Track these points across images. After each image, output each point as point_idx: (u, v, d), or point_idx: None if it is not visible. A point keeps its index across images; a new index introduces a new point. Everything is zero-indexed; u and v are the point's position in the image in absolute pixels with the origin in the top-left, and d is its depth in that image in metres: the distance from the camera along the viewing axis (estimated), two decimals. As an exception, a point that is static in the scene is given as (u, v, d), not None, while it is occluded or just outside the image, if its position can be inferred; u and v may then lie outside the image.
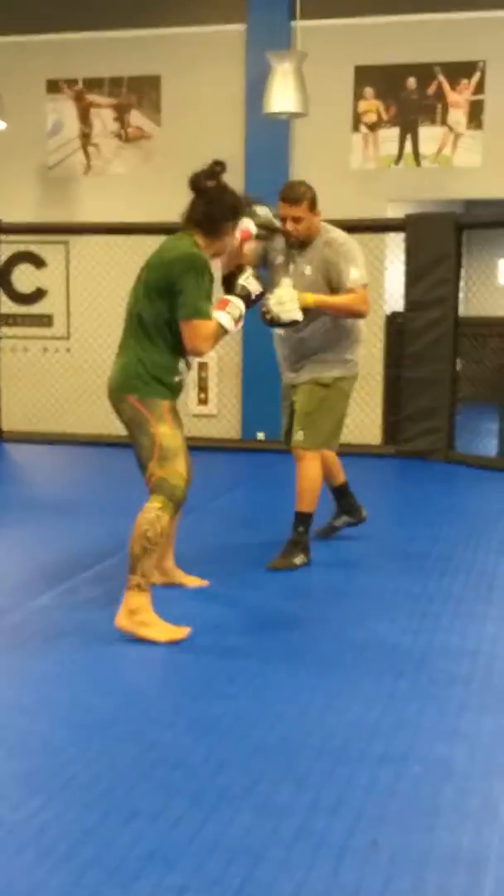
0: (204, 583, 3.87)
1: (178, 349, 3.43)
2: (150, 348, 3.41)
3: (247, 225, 3.80)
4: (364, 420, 8.19)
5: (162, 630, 3.24)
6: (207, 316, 3.36)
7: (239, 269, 3.61)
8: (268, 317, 3.99)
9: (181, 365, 3.47)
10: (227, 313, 3.42)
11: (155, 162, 8.41)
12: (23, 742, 2.49)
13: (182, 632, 3.25)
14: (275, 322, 4.01)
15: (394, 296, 7.83)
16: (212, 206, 3.43)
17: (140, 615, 3.26)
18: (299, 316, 3.97)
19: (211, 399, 8.76)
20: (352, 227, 7.37)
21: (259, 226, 3.94)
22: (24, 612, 3.55)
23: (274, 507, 5.67)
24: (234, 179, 8.81)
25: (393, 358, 7.86)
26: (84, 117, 8.65)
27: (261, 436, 8.47)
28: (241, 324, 3.50)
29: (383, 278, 7.92)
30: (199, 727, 2.58)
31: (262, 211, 4.03)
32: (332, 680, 2.94)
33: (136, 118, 8.58)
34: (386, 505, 4.93)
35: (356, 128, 8.26)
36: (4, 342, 8.13)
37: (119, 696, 2.79)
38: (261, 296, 3.62)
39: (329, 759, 2.41)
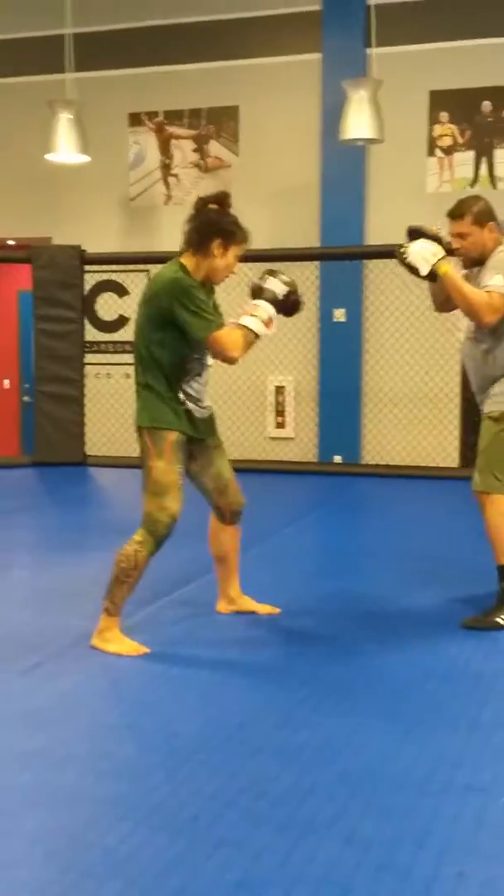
0: (276, 610, 3.88)
1: (177, 378, 3.47)
2: (153, 380, 3.48)
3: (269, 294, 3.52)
4: (442, 442, 8.16)
5: (123, 646, 3.42)
6: (220, 326, 3.39)
7: (267, 273, 3.55)
8: (401, 250, 3.73)
9: (181, 395, 3.48)
10: (255, 317, 3.42)
11: (233, 190, 8.44)
12: (110, 767, 2.54)
13: (141, 650, 3.40)
14: (399, 258, 3.73)
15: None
16: (195, 222, 3.47)
17: (105, 634, 3.45)
18: (422, 270, 3.66)
19: (288, 422, 8.81)
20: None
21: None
22: (109, 637, 3.61)
23: (350, 532, 5.69)
24: (311, 206, 8.94)
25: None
26: (164, 149, 8.83)
27: (338, 459, 8.48)
28: (273, 326, 3.46)
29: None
30: (283, 756, 2.60)
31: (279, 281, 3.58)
32: (414, 707, 2.94)
33: (214, 148, 8.72)
34: (464, 529, 4.88)
35: (431, 152, 8.28)
36: (88, 369, 8.30)
37: (203, 723, 2.82)
38: (289, 296, 3.51)
39: (413, 790, 2.41)
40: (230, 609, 3.88)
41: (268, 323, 3.44)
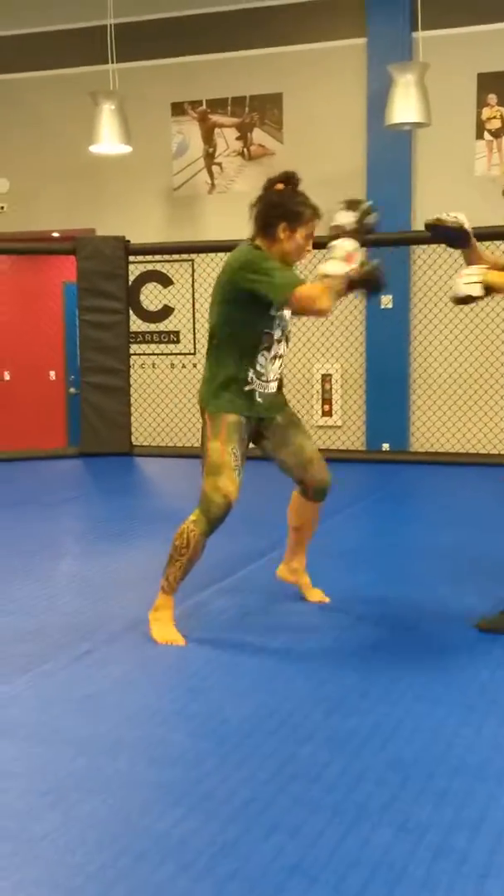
0: (325, 599, 3.85)
1: (246, 357, 3.42)
2: (220, 360, 3.45)
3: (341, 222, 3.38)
4: (493, 429, 8.08)
5: (163, 632, 3.41)
6: (299, 281, 3.29)
7: (341, 204, 3.40)
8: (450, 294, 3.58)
9: (251, 374, 3.43)
10: (332, 258, 3.28)
11: (277, 178, 8.48)
12: (162, 752, 2.54)
13: (177, 641, 3.37)
14: (453, 300, 3.60)
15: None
16: (259, 206, 3.39)
17: (157, 612, 3.47)
18: (473, 291, 3.45)
19: (335, 410, 8.78)
20: (478, 234, 7.30)
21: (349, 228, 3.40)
22: (159, 625, 3.62)
23: (399, 521, 5.64)
24: (357, 193, 8.88)
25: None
26: (208, 138, 8.82)
27: (386, 447, 8.43)
28: (355, 259, 3.29)
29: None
30: (334, 742, 2.59)
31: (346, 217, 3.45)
32: (467, 695, 2.91)
33: (258, 136, 8.69)
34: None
35: (480, 135, 8.17)
36: (134, 359, 8.32)
37: (253, 709, 2.81)
38: (364, 224, 3.34)
39: (468, 776, 2.38)
40: (288, 579, 3.87)
41: (348, 258, 3.27)
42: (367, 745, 2.56)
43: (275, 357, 3.49)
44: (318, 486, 3.67)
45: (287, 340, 3.56)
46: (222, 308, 3.42)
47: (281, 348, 3.51)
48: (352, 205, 3.42)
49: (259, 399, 3.49)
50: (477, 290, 3.40)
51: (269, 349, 3.46)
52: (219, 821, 2.18)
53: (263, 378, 3.48)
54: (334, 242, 3.33)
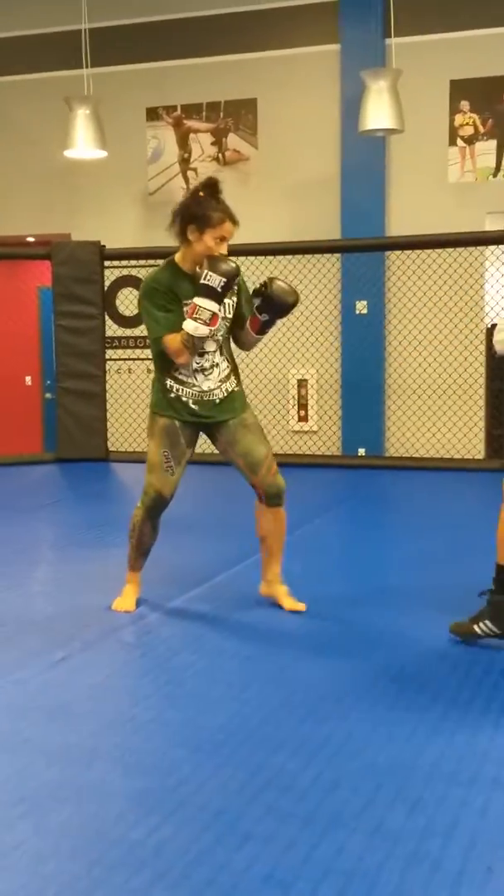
0: (301, 607, 3.85)
1: (166, 367, 3.69)
2: (155, 368, 3.77)
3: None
4: (467, 434, 8.12)
5: (119, 602, 3.87)
6: (165, 330, 3.57)
7: (206, 265, 3.50)
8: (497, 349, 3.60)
9: (170, 382, 3.69)
10: (194, 319, 3.49)
11: (253, 183, 8.51)
12: (137, 761, 2.54)
13: (128, 608, 3.82)
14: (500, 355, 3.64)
15: (495, 308, 7.75)
16: (175, 210, 3.59)
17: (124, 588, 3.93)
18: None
19: (311, 416, 8.80)
20: (451, 240, 7.36)
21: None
22: (134, 629, 3.62)
23: (375, 526, 5.66)
24: (331, 198, 8.91)
25: (495, 370, 7.77)
26: (183, 143, 8.83)
27: (361, 452, 8.46)
28: (217, 321, 3.50)
29: (483, 291, 7.85)
30: (307, 749, 2.59)
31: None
32: (440, 702, 2.92)
33: (233, 141, 8.71)
34: (490, 522, 4.85)
35: (453, 141, 8.23)
36: (110, 364, 8.31)
37: (228, 718, 2.82)
38: (228, 282, 3.46)
39: (441, 782, 2.39)
40: (265, 592, 3.91)
41: (210, 321, 3.48)
42: (340, 753, 2.57)
43: (200, 370, 3.68)
44: (268, 490, 3.80)
45: (221, 350, 3.72)
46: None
47: (209, 360, 3.68)
48: (212, 265, 3.50)
49: (193, 405, 3.70)
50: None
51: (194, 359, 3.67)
52: (193, 829, 2.19)
53: (191, 385, 3.68)
54: (200, 301, 3.49)
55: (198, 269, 3.56)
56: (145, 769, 2.50)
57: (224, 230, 3.53)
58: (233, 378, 3.77)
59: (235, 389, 3.78)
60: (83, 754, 2.58)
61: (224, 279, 3.46)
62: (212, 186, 3.55)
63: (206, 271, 3.49)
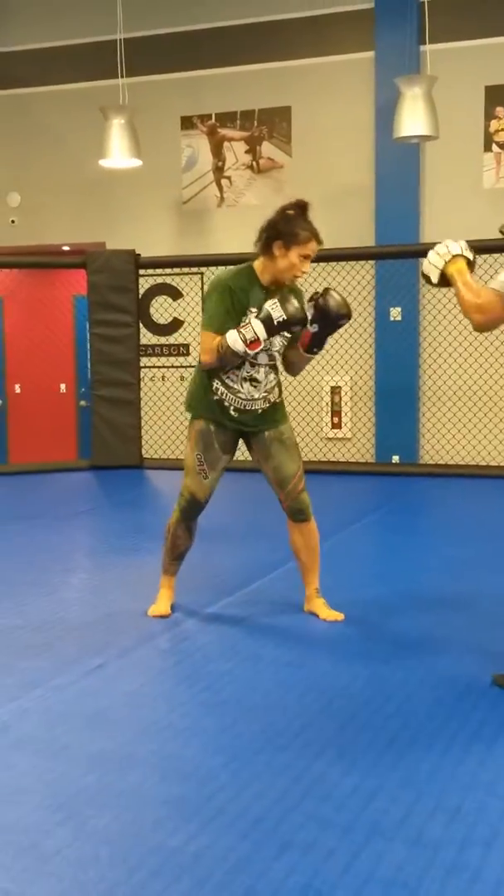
0: (338, 616, 3.83)
1: (214, 370, 3.68)
2: (196, 369, 3.79)
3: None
4: (503, 441, 8.07)
5: (154, 608, 3.89)
6: (212, 328, 3.59)
7: (275, 292, 3.58)
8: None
9: (217, 384, 3.69)
10: (239, 332, 3.52)
11: (286, 191, 8.50)
12: (175, 768, 2.54)
13: (163, 613, 3.85)
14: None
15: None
16: (264, 225, 3.63)
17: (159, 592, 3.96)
18: (431, 275, 3.18)
19: (345, 422, 8.78)
20: (485, 246, 7.31)
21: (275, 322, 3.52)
22: (170, 636, 3.63)
23: (410, 534, 5.64)
24: (366, 205, 8.88)
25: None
26: (217, 151, 8.85)
27: (395, 459, 8.42)
28: (257, 347, 3.52)
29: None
30: (346, 758, 2.58)
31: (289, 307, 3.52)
32: (479, 710, 2.90)
33: (267, 149, 8.72)
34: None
35: (488, 147, 8.19)
36: (144, 372, 8.34)
37: (266, 725, 2.81)
38: (287, 323, 3.50)
39: (480, 792, 2.37)
40: (306, 609, 3.90)
41: (249, 343, 3.51)
42: (380, 762, 2.56)
43: (250, 378, 3.69)
44: (291, 506, 3.83)
45: (274, 366, 3.76)
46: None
47: (260, 372, 3.70)
48: (285, 300, 3.52)
49: (233, 412, 3.71)
50: (434, 277, 3.18)
51: (239, 368, 3.66)
52: (231, 837, 2.18)
53: (236, 392, 3.69)
54: (253, 321, 3.53)
55: (271, 287, 3.61)
56: (183, 776, 2.50)
57: (309, 248, 3.57)
58: (276, 391, 3.81)
59: (277, 402, 3.81)
60: (120, 761, 2.58)
61: (285, 318, 3.50)
62: (302, 207, 3.62)
63: (276, 300, 3.52)
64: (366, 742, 2.68)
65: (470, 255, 3.16)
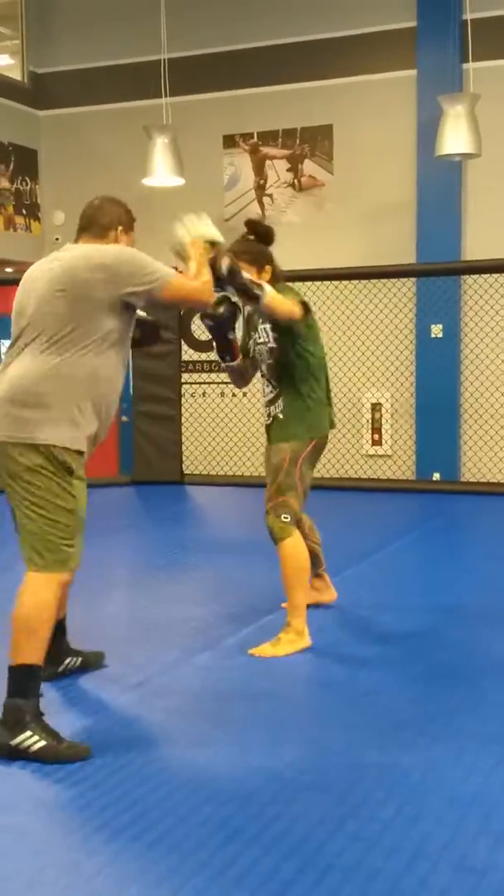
0: (265, 654, 3.59)
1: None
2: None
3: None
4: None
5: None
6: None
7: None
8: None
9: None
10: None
11: (328, 209, 8.54)
12: (216, 788, 2.54)
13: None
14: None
15: None
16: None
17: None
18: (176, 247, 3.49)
19: (385, 439, 8.76)
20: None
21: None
22: (210, 654, 3.63)
23: (451, 553, 5.60)
24: (407, 223, 8.88)
25: None
26: (259, 169, 8.90)
27: (436, 476, 8.38)
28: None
29: None
30: (389, 779, 2.57)
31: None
32: (524, 733, 2.88)
33: (309, 167, 8.75)
34: None
35: (531, 164, 8.15)
36: (185, 388, 8.38)
37: (308, 745, 2.80)
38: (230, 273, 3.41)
39: (526, 817, 2.35)
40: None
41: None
42: (423, 783, 2.54)
43: (268, 390, 3.82)
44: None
45: (271, 376, 3.82)
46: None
47: (265, 381, 3.83)
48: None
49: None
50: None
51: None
52: (275, 858, 2.17)
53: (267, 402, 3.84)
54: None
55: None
56: (225, 797, 2.49)
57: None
58: (278, 404, 3.76)
59: (280, 416, 3.76)
60: (160, 780, 2.58)
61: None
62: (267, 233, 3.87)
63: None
64: (409, 763, 2.66)
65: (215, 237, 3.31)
